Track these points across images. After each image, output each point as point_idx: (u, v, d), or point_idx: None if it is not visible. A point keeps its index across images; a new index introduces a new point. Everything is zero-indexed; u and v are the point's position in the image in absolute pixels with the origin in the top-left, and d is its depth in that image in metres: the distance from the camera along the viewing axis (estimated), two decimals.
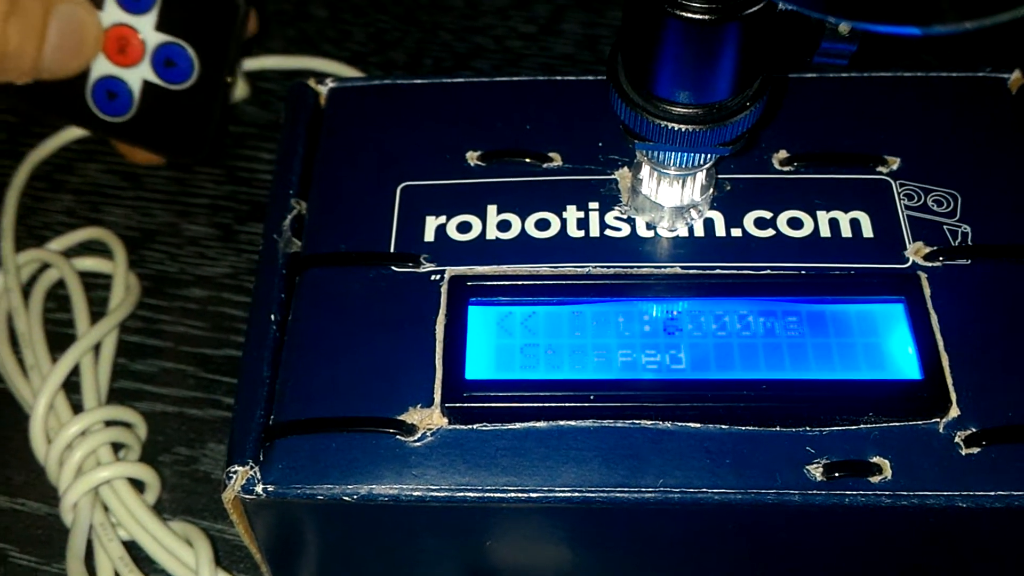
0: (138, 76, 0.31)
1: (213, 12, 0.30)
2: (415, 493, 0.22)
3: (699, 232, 0.25)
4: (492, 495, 0.22)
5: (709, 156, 0.23)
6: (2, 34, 0.28)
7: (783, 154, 0.26)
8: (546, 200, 0.26)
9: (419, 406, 0.23)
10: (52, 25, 0.29)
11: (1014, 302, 0.23)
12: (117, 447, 0.30)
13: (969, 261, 0.24)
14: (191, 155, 0.33)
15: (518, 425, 0.22)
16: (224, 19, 0.30)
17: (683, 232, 0.25)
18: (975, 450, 0.22)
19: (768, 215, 0.25)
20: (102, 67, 0.31)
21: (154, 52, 0.30)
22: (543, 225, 0.25)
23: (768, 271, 0.24)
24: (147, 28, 0.30)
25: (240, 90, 0.37)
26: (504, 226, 0.25)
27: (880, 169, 0.26)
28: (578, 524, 0.23)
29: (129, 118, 0.32)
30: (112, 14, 0.30)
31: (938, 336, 0.23)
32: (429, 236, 0.25)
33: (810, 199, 0.25)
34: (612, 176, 0.26)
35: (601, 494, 0.22)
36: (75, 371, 0.31)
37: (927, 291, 0.23)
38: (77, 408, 0.30)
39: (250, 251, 0.35)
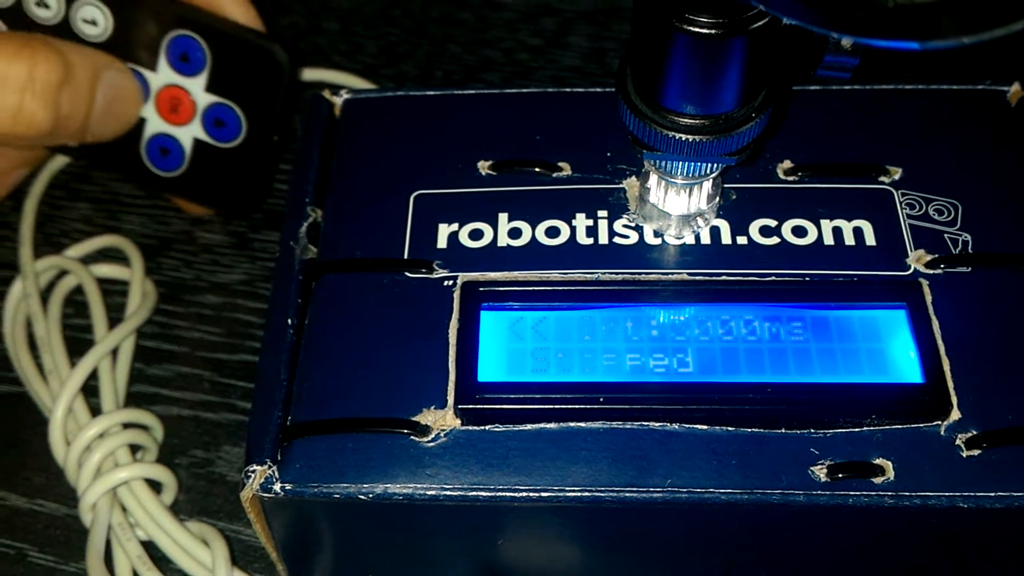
0: (189, 134, 0.32)
1: (260, 75, 0.32)
2: (429, 492, 0.22)
3: (705, 240, 0.25)
4: (504, 494, 0.22)
5: (715, 166, 0.24)
6: (56, 102, 0.29)
7: (788, 164, 0.27)
8: (556, 208, 0.26)
9: (433, 408, 0.23)
10: (99, 92, 0.30)
11: (1013, 308, 0.24)
12: (134, 449, 0.30)
13: (969, 269, 0.25)
14: (239, 209, 0.34)
15: (529, 426, 0.23)
16: (270, 81, 0.32)
17: (690, 240, 0.25)
18: (976, 452, 0.22)
19: (773, 223, 0.26)
20: (156, 125, 0.33)
21: (204, 112, 0.32)
22: (553, 232, 0.26)
23: (773, 278, 0.25)
24: (198, 90, 0.32)
25: None
26: (515, 233, 0.26)
27: (882, 179, 0.26)
28: (587, 523, 0.23)
29: (180, 174, 0.33)
30: (164, 75, 0.32)
31: (939, 341, 0.23)
32: (442, 243, 0.26)
33: (814, 208, 0.26)
34: (620, 185, 0.27)
35: (610, 494, 0.22)
36: (93, 375, 0.31)
37: (928, 297, 0.24)
38: (95, 411, 0.31)
39: (264, 258, 0.35)
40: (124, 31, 0.32)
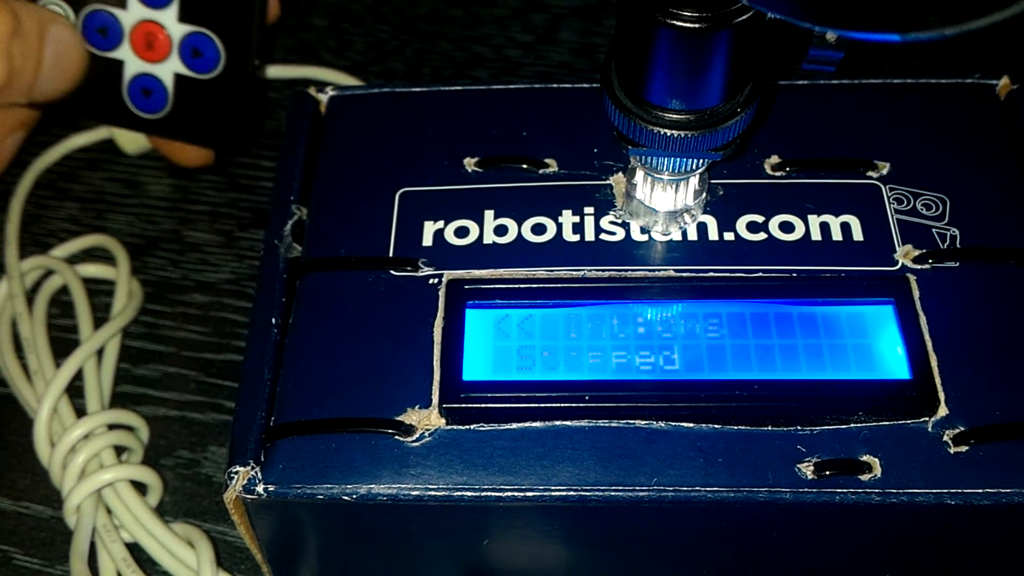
0: (169, 70, 0.32)
1: None
2: (413, 493, 0.22)
3: (692, 236, 0.25)
4: (489, 494, 0.22)
5: (701, 161, 0.24)
6: (8, 53, 0.28)
7: (775, 160, 0.27)
8: (542, 205, 0.26)
9: (417, 407, 0.23)
10: (47, 45, 0.30)
11: (1001, 303, 0.24)
12: (120, 450, 0.30)
13: (957, 264, 0.24)
14: (230, 143, 0.33)
15: (515, 425, 0.23)
16: (244, 3, 0.31)
17: (677, 236, 0.25)
18: (963, 448, 0.22)
19: (760, 219, 0.25)
20: (134, 66, 0.32)
21: (180, 44, 0.31)
22: (539, 230, 0.26)
23: (760, 274, 0.24)
24: (171, 21, 0.31)
25: None
26: (501, 231, 0.26)
27: (870, 174, 0.26)
28: (574, 523, 0.23)
29: (166, 113, 0.33)
30: (136, 11, 0.31)
31: (927, 337, 0.23)
32: (427, 241, 0.26)
33: (801, 203, 0.26)
34: (607, 181, 0.26)
35: (596, 493, 0.22)
36: (78, 376, 0.31)
37: (916, 293, 0.24)
38: (80, 412, 0.31)
39: (251, 257, 0.35)
40: None
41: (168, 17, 0.31)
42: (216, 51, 0.31)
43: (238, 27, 0.31)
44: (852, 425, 0.22)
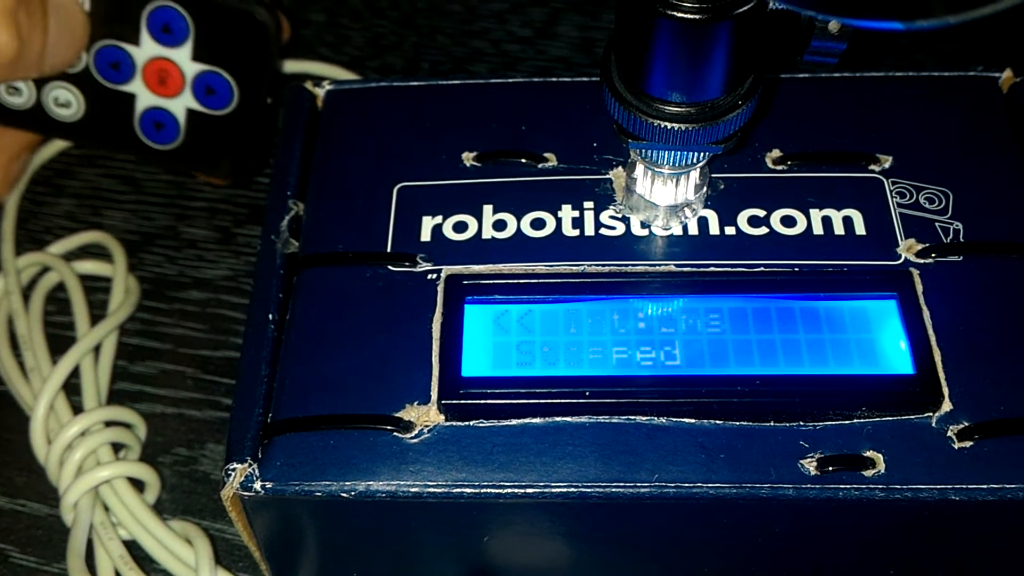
0: (182, 105, 0.32)
1: (244, 38, 0.31)
2: (412, 489, 0.22)
3: (693, 231, 0.25)
4: (489, 491, 0.22)
5: (702, 154, 0.24)
6: (15, 23, 0.28)
7: (776, 153, 0.26)
8: (541, 200, 0.26)
9: (416, 403, 0.23)
10: (51, 16, 0.30)
11: (1005, 298, 0.24)
12: (117, 448, 0.30)
13: (960, 258, 0.24)
14: (240, 175, 0.34)
15: (514, 421, 0.23)
16: (255, 42, 0.31)
17: (677, 231, 0.25)
18: (967, 444, 0.22)
19: (762, 213, 0.25)
20: (146, 99, 0.32)
21: (194, 81, 0.32)
22: (538, 224, 0.25)
23: (762, 268, 0.24)
24: (184, 59, 0.32)
25: None
26: (500, 226, 0.25)
27: (872, 167, 0.26)
28: (574, 519, 0.23)
29: (178, 145, 0.33)
30: (149, 48, 0.32)
31: (930, 331, 0.23)
32: (425, 236, 0.25)
33: (803, 197, 0.25)
34: (607, 176, 0.26)
35: (597, 489, 0.22)
36: (75, 373, 0.31)
37: (919, 287, 0.24)
38: (77, 409, 0.31)
39: (248, 254, 0.35)
40: (102, 6, 0.31)
41: (181, 56, 0.31)
42: (229, 89, 0.31)
43: (251, 67, 0.31)
44: (855, 420, 0.22)
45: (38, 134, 0.35)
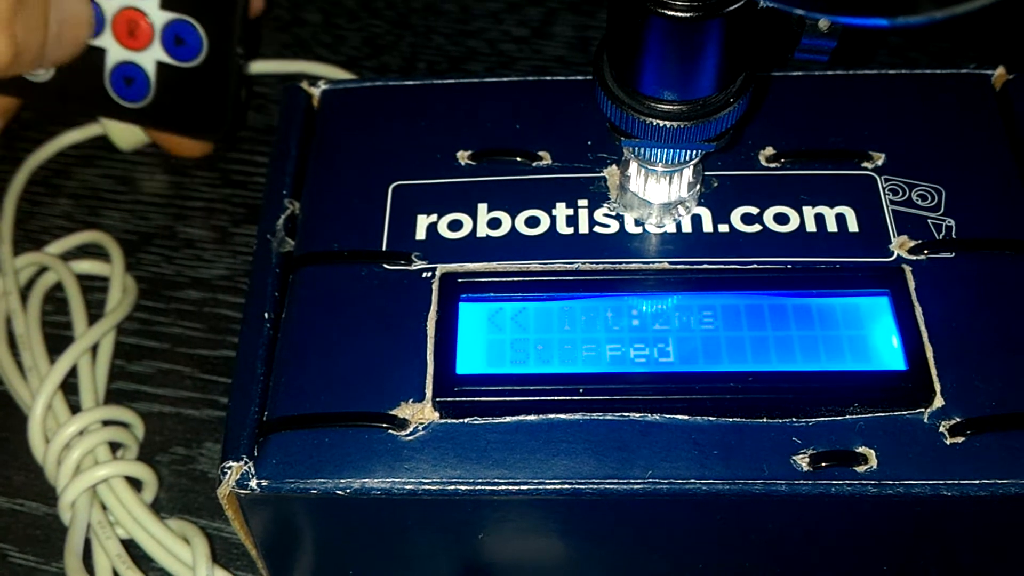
0: (151, 58, 0.32)
1: None
2: (407, 487, 0.22)
3: (687, 228, 0.25)
4: (483, 488, 0.22)
5: (695, 152, 0.24)
6: (12, 30, 0.28)
7: (769, 151, 0.26)
8: (536, 198, 0.26)
9: (411, 401, 0.23)
10: (52, 16, 0.30)
11: (997, 294, 0.24)
12: (115, 447, 0.30)
13: (953, 254, 0.24)
14: (214, 131, 0.33)
15: (509, 419, 0.23)
16: None
17: (671, 228, 0.25)
18: (959, 439, 0.22)
19: (755, 211, 0.25)
20: (116, 54, 0.32)
21: (163, 31, 0.31)
22: (533, 222, 0.26)
23: (755, 266, 0.24)
24: (153, 8, 0.31)
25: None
26: (494, 224, 0.26)
27: (865, 165, 0.26)
28: (568, 516, 0.23)
29: (149, 102, 0.32)
30: None
31: (922, 328, 0.23)
32: (420, 234, 0.26)
33: (796, 195, 0.26)
34: (601, 174, 0.26)
35: (591, 486, 0.22)
36: (73, 373, 0.31)
37: (911, 284, 0.24)
38: (75, 409, 0.31)
39: (245, 253, 0.35)
40: None
41: (150, 4, 0.31)
42: (198, 39, 0.31)
43: (221, 15, 0.31)
44: (848, 416, 0.22)
45: (10, 97, 0.34)
